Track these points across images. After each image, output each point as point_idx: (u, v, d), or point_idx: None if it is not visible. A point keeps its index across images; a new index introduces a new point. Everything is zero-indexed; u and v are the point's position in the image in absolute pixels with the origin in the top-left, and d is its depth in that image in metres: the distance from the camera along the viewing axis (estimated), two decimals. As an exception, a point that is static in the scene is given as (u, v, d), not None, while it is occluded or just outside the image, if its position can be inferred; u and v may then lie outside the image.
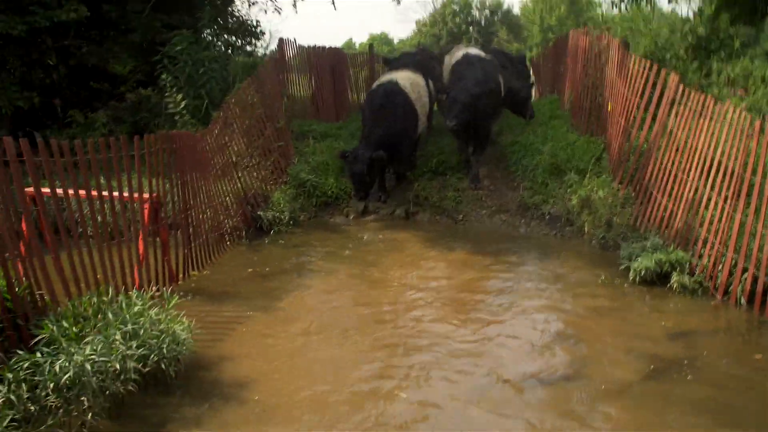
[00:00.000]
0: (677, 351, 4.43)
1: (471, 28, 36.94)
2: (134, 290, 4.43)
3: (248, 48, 13.14)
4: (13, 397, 3.08)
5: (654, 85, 7.28)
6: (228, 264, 6.57)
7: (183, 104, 9.38)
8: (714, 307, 5.28)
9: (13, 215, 4.16)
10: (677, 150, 6.52)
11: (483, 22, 37.37)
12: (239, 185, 7.92)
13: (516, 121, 10.28)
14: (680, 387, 3.95)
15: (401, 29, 73.30)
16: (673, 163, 6.55)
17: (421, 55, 10.55)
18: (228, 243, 7.16)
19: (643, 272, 5.70)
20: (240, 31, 12.50)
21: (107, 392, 3.41)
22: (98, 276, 4.60)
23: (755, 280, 5.18)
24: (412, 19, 62.45)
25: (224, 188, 7.43)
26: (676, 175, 6.44)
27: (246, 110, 8.61)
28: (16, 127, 10.73)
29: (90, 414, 3.28)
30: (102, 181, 5.00)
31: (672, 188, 6.46)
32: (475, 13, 37.73)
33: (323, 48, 12.19)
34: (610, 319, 5.05)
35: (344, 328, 4.93)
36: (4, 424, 2.91)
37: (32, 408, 3.12)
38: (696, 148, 6.18)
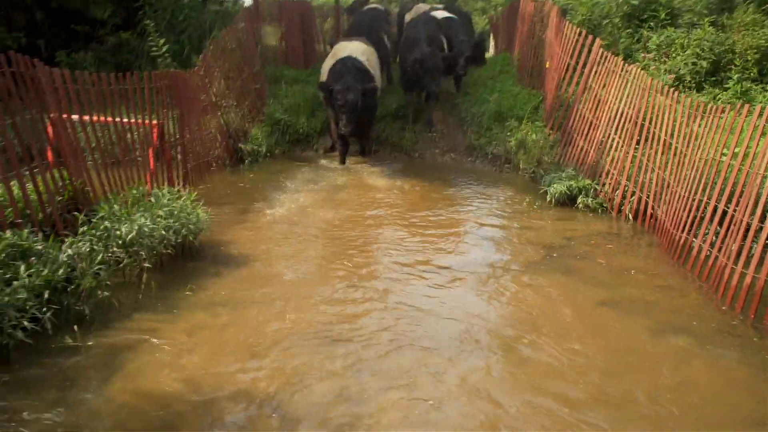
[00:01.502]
0: (564, 243, 6.26)
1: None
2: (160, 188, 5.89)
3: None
4: (96, 247, 4.55)
5: (582, 47, 8.95)
6: (217, 183, 8.03)
7: (165, 48, 10.59)
8: (607, 220, 7.10)
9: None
10: (593, 101, 8.25)
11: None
12: (222, 120, 9.31)
13: (469, 78, 11.87)
14: (557, 261, 5.79)
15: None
16: (589, 112, 8.28)
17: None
18: (214, 168, 8.59)
19: (557, 195, 7.47)
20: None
21: (155, 251, 4.92)
22: (122, 181, 6.04)
23: (640, 200, 7.00)
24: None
25: (210, 122, 8.82)
26: (591, 122, 8.17)
27: (226, 54, 9.93)
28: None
29: (145, 263, 4.80)
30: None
31: (587, 132, 8.20)
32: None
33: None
34: (524, 226, 6.81)
35: (314, 227, 6.51)
36: (96, 261, 4.38)
37: (108, 256, 4.61)
38: (607, 101, 7.91)
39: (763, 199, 4.85)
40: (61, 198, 5.10)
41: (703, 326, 4.58)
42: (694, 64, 9.99)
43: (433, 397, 3.56)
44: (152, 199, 5.34)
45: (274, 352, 3.95)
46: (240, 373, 3.71)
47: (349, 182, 8.43)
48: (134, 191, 5.50)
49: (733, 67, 9.83)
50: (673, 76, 9.13)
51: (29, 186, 4.83)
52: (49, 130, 5.39)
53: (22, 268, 3.81)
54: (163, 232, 4.95)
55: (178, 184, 7.15)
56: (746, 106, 5.56)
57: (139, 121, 6.61)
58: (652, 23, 11.26)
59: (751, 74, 9.67)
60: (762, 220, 4.84)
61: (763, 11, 10.46)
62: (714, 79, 10.06)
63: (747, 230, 4.98)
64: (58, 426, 3.18)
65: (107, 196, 5.57)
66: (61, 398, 3.38)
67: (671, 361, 4.07)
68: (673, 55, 10.65)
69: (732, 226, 5.19)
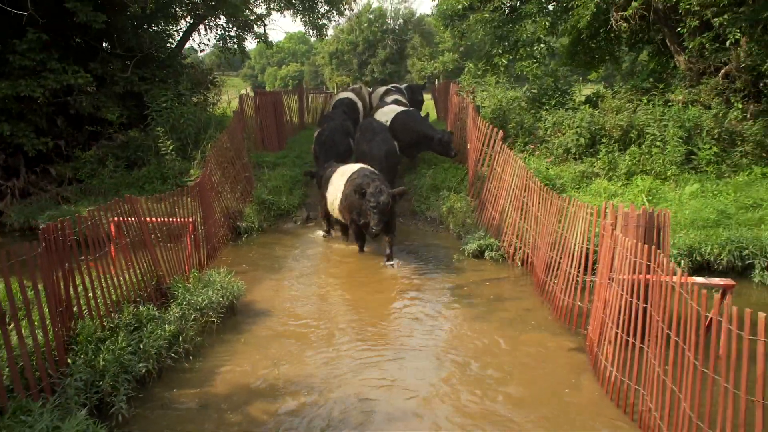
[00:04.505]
0: (468, 282, 10.08)
1: (386, 35, 42.65)
2: (208, 270, 9.47)
3: (205, 92, 17.99)
4: (185, 312, 8.10)
5: (490, 138, 12.89)
6: (230, 257, 11.63)
7: (171, 147, 14.24)
8: (505, 267, 10.93)
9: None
10: (497, 180, 12.16)
11: (397, 30, 43.19)
12: (224, 206, 12.93)
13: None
14: (459, 295, 9.56)
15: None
16: (495, 187, 12.17)
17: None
18: (221, 245, 12.18)
19: (472, 251, 11.29)
20: (202, 84, 17.39)
21: (215, 311, 8.49)
22: (174, 264, 9.58)
23: (524, 253, 10.85)
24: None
25: (216, 208, 12.43)
26: (496, 195, 12.07)
27: (222, 152, 13.59)
28: (31, 164, 15.23)
29: (212, 320, 8.36)
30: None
31: (494, 202, 12.09)
32: (390, 21, 43.52)
33: (267, 92, 17.33)
34: (443, 273, 10.60)
35: (309, 286, 10.17)
36: (190, 320, 7.93)
37: (189, 315, 8.15)
38: (504, 180, 11.82)
39: (572, 256, 8.71)
40: (153, 281, 8.66)
41: (541, 330, 8.38)
42: (576, 140, 14.07)
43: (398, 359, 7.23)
44: (210, 278, 8.95)
45: (297, 360, 7.56)
46: (287, 370, 7.31)
47: (326, 249, 12.16)
48: (195, 272, 9.11)
49: (603, 141, 13.94)
50: (551, 159, 13.20)
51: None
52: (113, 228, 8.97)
53: (166, 326, 7.39)
54: (221, 299, 8.55)
55: (205, 262, 10.73)
56: (570, 198, 9.47)
57: (182, 219, 10.20)
58: (548, 107, 15.42)
59: (615, 147, 13.78)
60: (571, 268, 8.70)
61: (626, 97, 14.71)
62: (592, 150, 14.17)
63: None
64: (195, 405, 6.69)
65: (171, 275, 9.12)
66: (194, 392, 6.91)
67: (518, 344, 7.83)
68: (564, 131, 14.75)
69: (559, 271, 9.07)
